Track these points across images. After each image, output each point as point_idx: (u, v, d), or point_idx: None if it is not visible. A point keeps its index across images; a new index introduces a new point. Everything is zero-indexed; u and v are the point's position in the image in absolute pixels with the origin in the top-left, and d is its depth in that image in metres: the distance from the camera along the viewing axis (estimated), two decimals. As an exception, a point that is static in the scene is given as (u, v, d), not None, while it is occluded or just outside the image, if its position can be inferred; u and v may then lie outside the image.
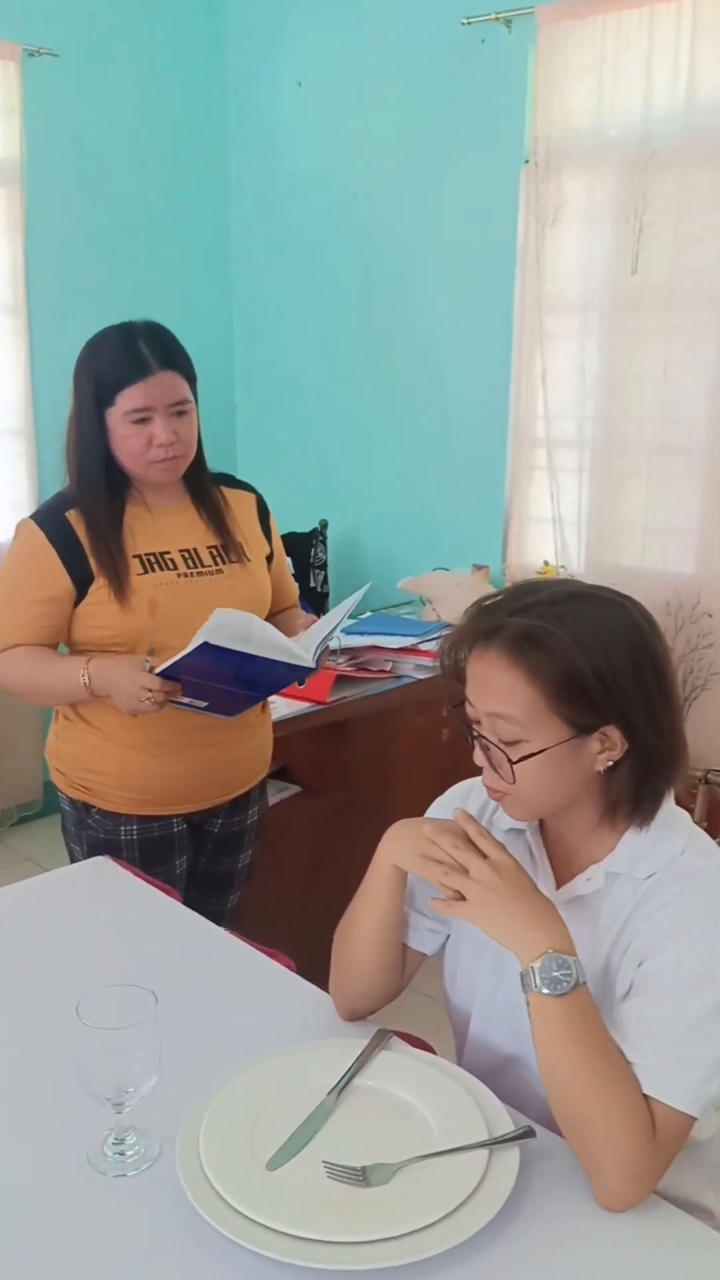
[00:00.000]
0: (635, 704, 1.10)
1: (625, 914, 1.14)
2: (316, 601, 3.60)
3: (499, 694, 1.11)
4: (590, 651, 1.08)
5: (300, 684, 1.82)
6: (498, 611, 1.13)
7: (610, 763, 1.12)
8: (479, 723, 1.14)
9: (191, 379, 1.78)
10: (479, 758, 1.16)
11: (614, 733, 1.11)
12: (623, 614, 1.13)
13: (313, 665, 1.70)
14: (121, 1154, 1.09)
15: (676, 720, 1.15)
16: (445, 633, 2.90)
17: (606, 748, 1.11)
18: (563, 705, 1.09)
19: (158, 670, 1.65)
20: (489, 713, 1.12)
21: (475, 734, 1.15)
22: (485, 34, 3.15)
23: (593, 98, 2.87)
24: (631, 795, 1.14)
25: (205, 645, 1.58)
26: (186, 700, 1.71)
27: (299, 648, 1.70)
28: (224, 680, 1.70)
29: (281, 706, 2.41)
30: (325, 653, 1.77)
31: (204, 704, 1.74)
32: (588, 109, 2.89)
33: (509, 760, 1.11)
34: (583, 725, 1.10)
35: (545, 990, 1.05)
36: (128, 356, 1.71)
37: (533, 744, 1.10)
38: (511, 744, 1.11)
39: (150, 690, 1.65)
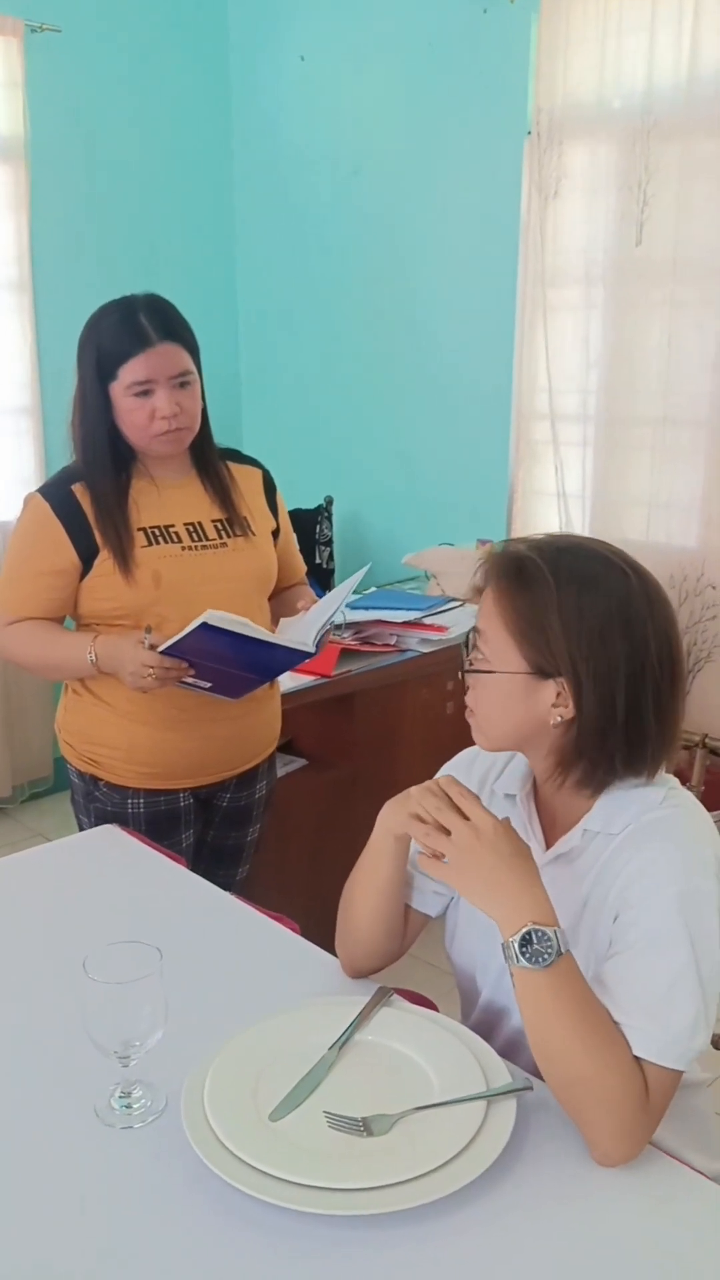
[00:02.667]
0: (590, 668, 1.10)
1: (599, 868, 1.15)
2: (322, 578, 3.61)
3: (483, 613, 1.17)
4: (565, 599, 1.10)
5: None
6: (518, 542, 1.18)
7: (561, 719, 1.13)
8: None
9: (194, 350, 1.78)
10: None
11: (566, 690, 1.12)
12: (621, 583, 1.12)
13: (313, 650, 1.73)
14: (128, 1107, 1.11)
15: (642, 709, 1.12)
16: (452, 603, 2.90)
17: (560, 703, 1.13)
18: (523, 640, 1.13)
19: (161, 649, 1.67)
20: (475, 628, 1.18)
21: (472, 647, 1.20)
22: (488, 4, 3.13)
23: (595, 68, 2.86)
24: (578, 761, 1.15)
25: (205, 626, 1.60)
26: (190, 680, 1.73)
27: (298, 634, 1.72)
28: (225, 662, 1.72)
29: (287, 680, 2.42)
30: (327, 634, 1.79)
31: (208, 684, 1.76)
32: (590, 79, 2.88)
33: (468, 669, 1.17)
34: (536, 667, 1.13)
35: (527, 964, 1.05)
36: (128, 329, 1.72)
37: (490, 665, 1.15)
38: (480, 660, 1.17)
39: (151, 667, 1.67)
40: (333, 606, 1.78)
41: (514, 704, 1.15)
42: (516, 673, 1.13)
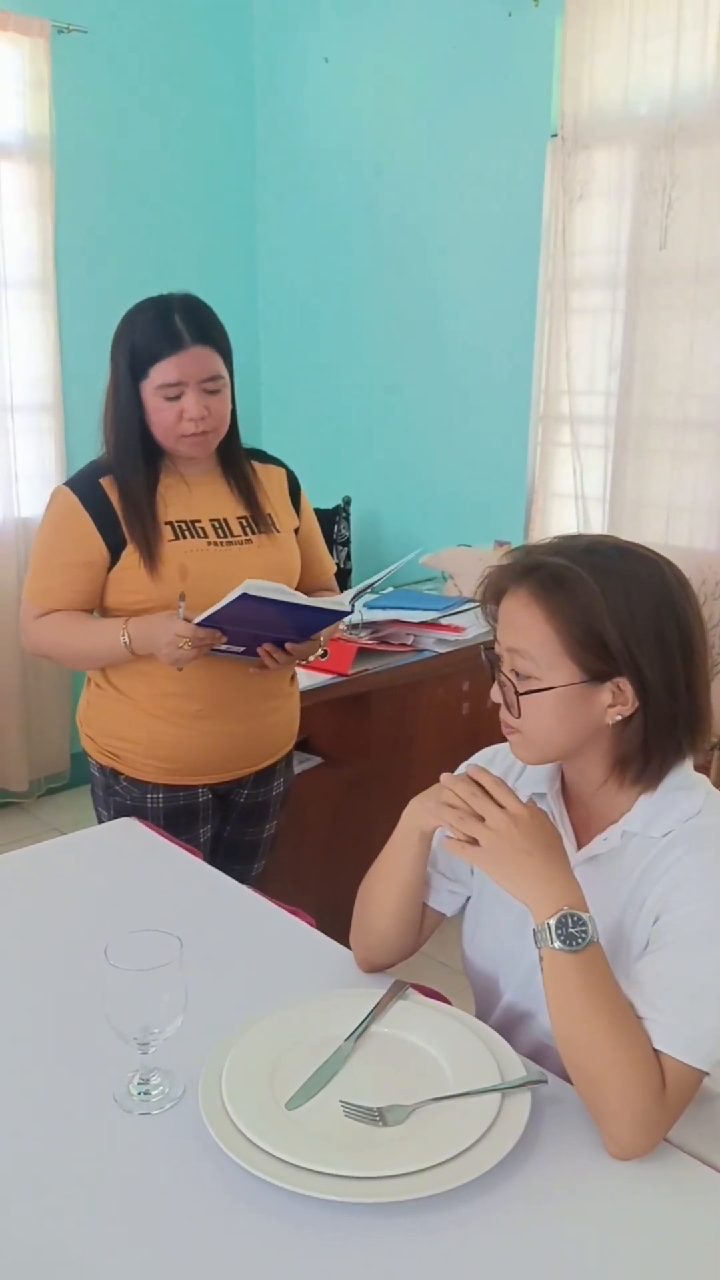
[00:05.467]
0: (652, 662, 1.11)
1: (640, 871, 1.15)
2: (339, 578, 3.61)
3: (519, 630, 1.15)
4: (614, 600, 1.10)
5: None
6: (535, 553, 1.17)
7: (620, 717, 1.14)
8: (501, 659, 1.18)
9: (226, 354, 1.79)
10: (495, 693, 1.20)
11: (626, 687, 1.12)
12: (656, 572, 1.14)
13: (349, 609, 1.74)
14: (146, 1094, 1.13)
15: (697, 687, 1.15)
16: (469, 604, 2.89)
17: (618, 701, 1.13)
18: (577, 649, 1.12)
19: (197, 620, 1.68)
20: (509, 648, 1.16)
21: (497, 669, 1.19)
22: (512, 7, 3.14)
23: (620, 71, 2.86)
24: (640, 754, 1.15)
25: (244, 596, 1.61)
26: (224, 647, 1.75)
27: (333, 600, 1.75)
28: (260, 627, 1.73)
29: (304, 678, 2.44)
30: (362, 593, 1.82)
31: (240, 649, 1.78)
32: (615, 83, 2.88)
33: (516, 693, 1.15)
34: (595, 672, 1.12)
35: (560, 946, 1.06)
36: (162, 330, 1.72)
37: (543, 682, 1.13)
38: (525, 679, 1.15)
39: (185, 637, 1.68)
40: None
41: (571, 715, 1.14)
42: (573, 684, 1.13)
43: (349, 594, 1.77)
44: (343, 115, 3.71)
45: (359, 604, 1.86)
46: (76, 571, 1.81)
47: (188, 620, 1.69)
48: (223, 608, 1.65)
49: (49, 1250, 0.96)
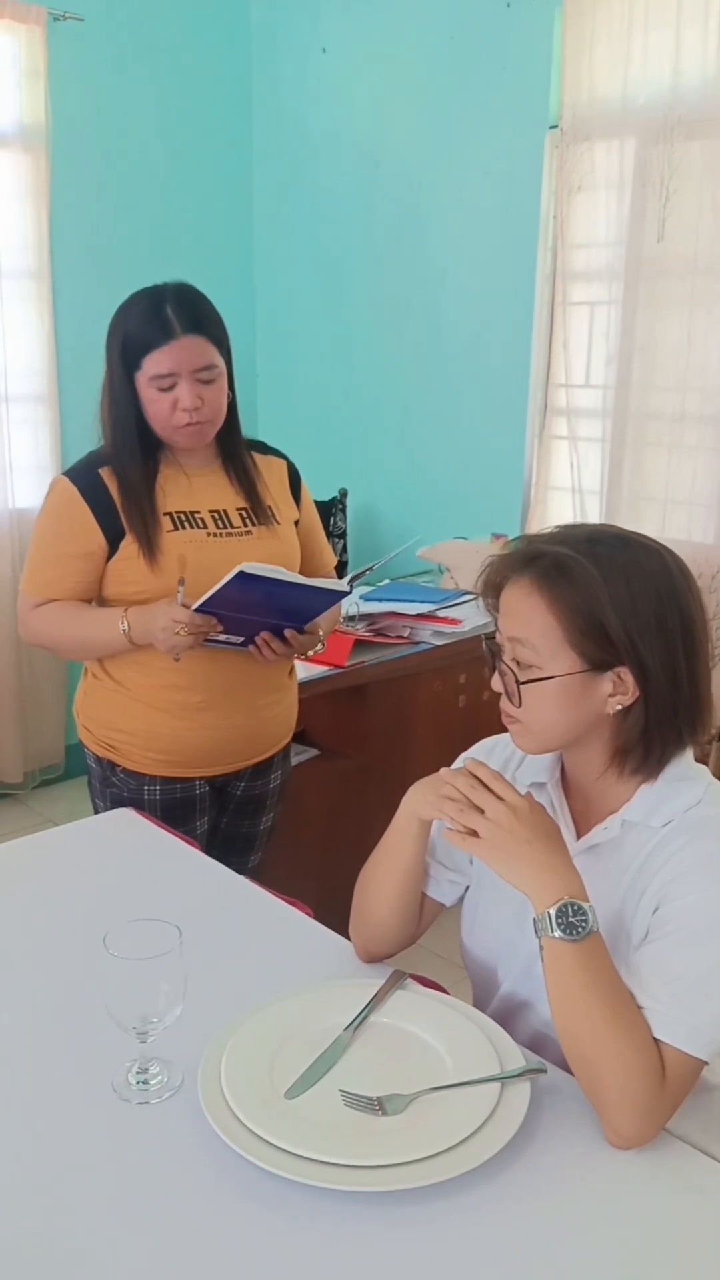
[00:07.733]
0: (654, 651, 1.11)
1: (640, 861, 1.15)
2: (336, 570, 3.62)
3: (521, 619, 1.14)
4: (615, 590, 1.10)
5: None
6: (536, 542, 1.17)
7: (621, 706, 1.14)
8: (503, 648, 1.18)
9: (221, 343, 1.78)
10: (496, 683, 1.19)
11: (627, 676, 1.12)
12: (658, 562, 1.14)
13: (347, 589, 1.74)
14: (145, 1083, 1.13)
15: (699, 677, 1.15)
16: (466, 597, 2.88)
17: (619, 691, 1.13)
18: (579, 638, 1.11)
19: (194, 606, 1.68)
20: (510, 637, 1.16)
21: (498, 658, 1.19)
22: (511, -2, 3.13)
23: (620, 63, 2.86)
24: (640, 744, 1.15)
25: (241, 575, 1.61)
26: (223, 638, 1.74)
27: (331, 581, 1.75)
28: (259, 612, 1.73)
29: (300, 670, 2.43)
30: (360, 576, 1.82)
31: (239, 639, 1.77)
32: (615, 74, 2.88)
33: (517, 682, 1.15)
34: (596, 662, 1.12)
35: (561, 935, 1.06)
36: (153, 320, 1.72)
37: (544, 671, 1.13)
38: (526, 669, 1.15)
39: (181, 622, 1.68)
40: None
41: (572, 704, 1.14)
42: (574, 673, 1.13)
43: (347, 577, 1.77)
44: (340, 106, 3.70)
45: (356, 593, 1.86)
46: (75, 562, 1.80)
47: (185, 606, 1.69)
48: (220, 589, 1.64)
49: (47, 1238, 0.96)
